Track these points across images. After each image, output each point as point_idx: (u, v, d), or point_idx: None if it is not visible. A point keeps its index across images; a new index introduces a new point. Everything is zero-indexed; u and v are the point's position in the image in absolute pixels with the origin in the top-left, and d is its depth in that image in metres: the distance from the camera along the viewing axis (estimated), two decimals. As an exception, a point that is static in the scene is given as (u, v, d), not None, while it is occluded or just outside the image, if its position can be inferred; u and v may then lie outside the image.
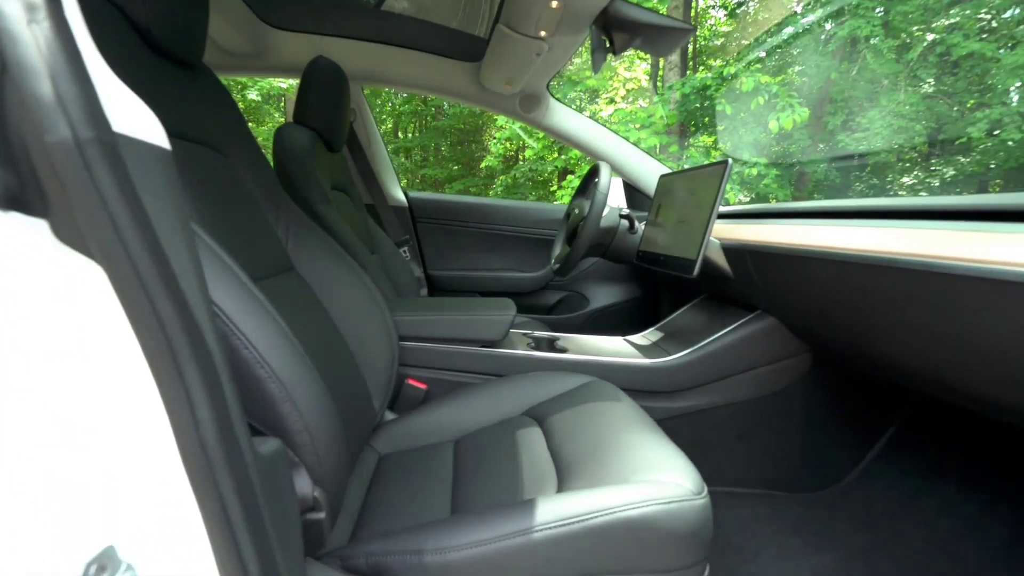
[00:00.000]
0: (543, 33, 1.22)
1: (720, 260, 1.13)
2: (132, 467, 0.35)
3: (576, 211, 1.50)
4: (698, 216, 1.07)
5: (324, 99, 1.31)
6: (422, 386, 1.06)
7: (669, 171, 1.43)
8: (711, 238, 1.06)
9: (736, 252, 1.07)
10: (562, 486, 0.70)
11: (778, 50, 6.40)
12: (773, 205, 1.13)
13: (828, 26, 6.09)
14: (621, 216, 1.44)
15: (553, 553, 0.56)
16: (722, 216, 1.27)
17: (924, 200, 0.73)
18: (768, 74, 5.75)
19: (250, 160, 0.84)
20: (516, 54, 1.35)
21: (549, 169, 7.76)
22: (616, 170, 1.73)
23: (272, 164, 1.22)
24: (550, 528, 0.57)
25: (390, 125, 11.54)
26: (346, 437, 0.69)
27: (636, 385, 1.10)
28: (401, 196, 1.87)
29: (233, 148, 0.80)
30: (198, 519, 0.36)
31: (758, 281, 1.02)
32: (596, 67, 1.18)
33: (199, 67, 0.77)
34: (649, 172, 1.72)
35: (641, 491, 0.59)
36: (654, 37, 1.12)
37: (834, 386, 1.11)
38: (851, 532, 1.01)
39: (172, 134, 0.66)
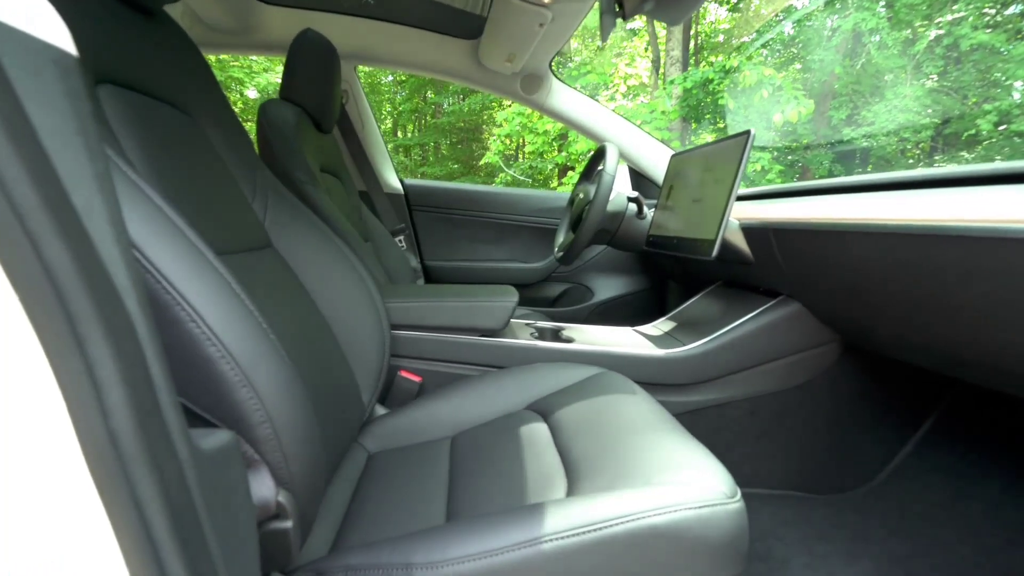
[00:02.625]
0: (547, -1, 1.14)
1: (739, 242, 1.05)
2: (12, 469, 0.26)
3: (581, 195, 1.42)
4: (716, 193, 0.98)
5: (312, 74, 1.22)
6: (416, 378, 0.98)
7: (680, 151, 1.35)
8: (729, 218, 0.98)
9: (758, 232, 0.98)
10: (572, 489, 0.61)
11: (782, 44, 6.32)
12: (796, 184, 1.04)
13: (832, 19, 6.01)
14: (629, 199, 1.35)
15: (565, 567, 0.48)
16: (739, 198, 1.19)
17: (981, 167, 0.64)
18: (772, 68, 5.66)
19: (220, 124, 0.75)
20: (518, 25, 1.26)
21: (550, 167, 7.69)
22: (623, 155, 1.65)
23: (256, 145, 1.14)
24: (561, 537, 0.48)
25: (389, 124, 11.48)
26: (323, 431, 0.60)
27: (648, 378, 1.01)
28: (396, 183, 1.78)
29: (200, 108, 0.71)
30: (109, 534, 0.27)
31: (783, 263, 0.93)
32: (604, 35, 1.10)
33: (160, 15, 0.68)
34: (658, 158, 1.64)
35: (667, 494, 0.51)
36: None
37: (864, 377, 1.02)
38: (887, 537, 0.92)
39: (125, 85, 0.57)
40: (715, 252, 0.92)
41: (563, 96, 1.63)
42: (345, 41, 1.49)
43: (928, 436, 1.04)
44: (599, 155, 1.39)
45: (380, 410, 0.92)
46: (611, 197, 1.27)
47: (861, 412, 1.04)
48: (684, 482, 0.53)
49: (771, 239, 0.93)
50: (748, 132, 0.93)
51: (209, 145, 0.71)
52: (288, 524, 0.42)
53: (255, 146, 1.08)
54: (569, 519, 0.49)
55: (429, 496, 0.67)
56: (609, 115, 1.65)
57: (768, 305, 1.01)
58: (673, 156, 1.34)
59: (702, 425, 1.04)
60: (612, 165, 1.23)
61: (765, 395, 1.03)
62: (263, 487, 0.40)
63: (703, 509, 0.50)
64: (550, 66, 1.58)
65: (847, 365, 1.01)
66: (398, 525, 0.62)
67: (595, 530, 0.48)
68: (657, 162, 1.64)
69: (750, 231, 1.01)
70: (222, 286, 0.43)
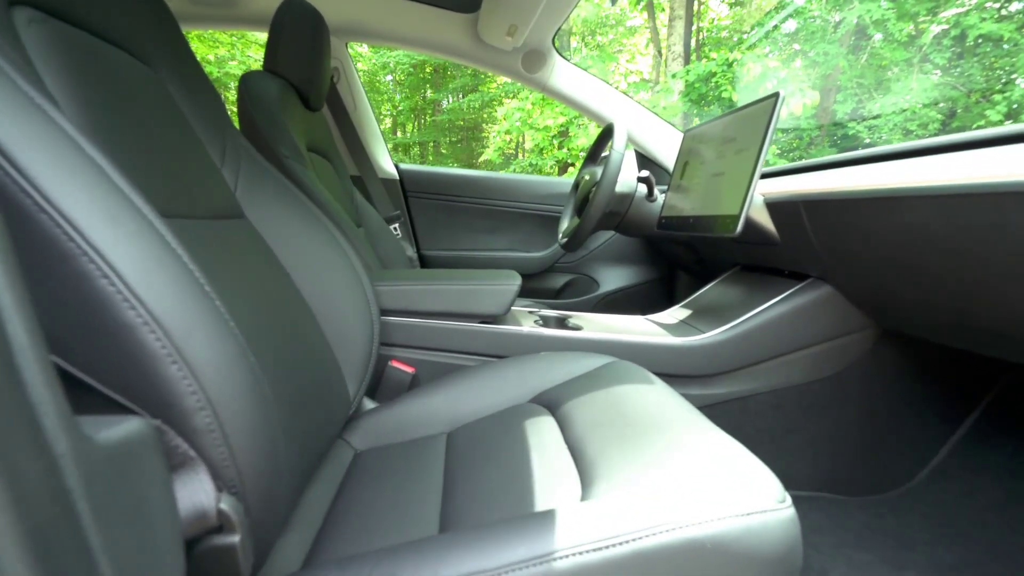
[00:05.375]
0: (550, -42, 1.05)
1: (763, 220, 0.95)
2: None
3: (587, 177, 1.33)
4: (740, 163, 0.89)
5: (298, 45, 1.14)
6: (409, 369, 0.89)
7: (695, 126, 1.26)
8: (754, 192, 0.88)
9: (786, 207, 0.89)
10: (587, 492, 0.52)
11: (786, 37, 6.22)
12: (826, 157, 0.95)
13: (836, 16, 5.92)
14: (639, 179, 1.26)
15: None
16: (761, 176, 1.10)
17: None
18: (776, 61, 5.57)
19: (185, 81, 0.66)
20: (519, -9, 1.17)
21: (549, 164, 7.61)
22: (630, 139, 1.56)
23: (237, 120, 1.05)
24: (578, 553, 0.39)
25: (389, 123, 11.41)
26: (298, 424, 0.51)
27: (663, 368, 0.92)
28: (391, 168, 1.69)
29: (161, 60, 0.62)
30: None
31: (815, 240, 0.84)
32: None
33: None
34: (668, 141, 1.55)
35: (708, 499, 0.42)
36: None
37: (901, 365, 0.93)
38: (933, 544, 0.83)
39: (55, 15, 0.49)
40: (740, 227, 0.83)
41: (567, 75, 1.54)
42: (335, 15, 1.40)
43: (974, 431, 0.95)
44: (606, 134, 1.30)
45: (369, 404, 0.83)
46: (619, 178, 1.18)
47: (898, 405, 0.95)
48: (725, 485, 0.44)
49: (802, 214, 0.84)
50: (777, 94, 0.84)
51: (169, 100, 0.62)
52: (234, 539, 0.33)
53: (235, 120, 1.00)
54: (587, 530, 0.40)
55: (421, 500, 0.58)
56: (616, 95, 1.56)
57: (795, 288, 0.92)
58: (687, 133, 1.25)
59: (722, 420, 0.95)
60: (621, 143, 1.14)
61: (792, 387, 0.94)
62: (198, 492, 0.31)
63: (751, 517, 0.41)
64: (553, 43, 1.49)
65: (883, 353, 0.92)
66: (384, 534, 0.53)
67: (619, 544, 0.39)
68: (668, 146, 1.55)
69: (776, 207, 0.92)
70: (153, 240, 0.34)
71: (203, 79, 0.71)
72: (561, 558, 0.39)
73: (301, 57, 1.14)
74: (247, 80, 1.06)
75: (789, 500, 0.44)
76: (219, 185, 0.65)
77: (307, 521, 0.57)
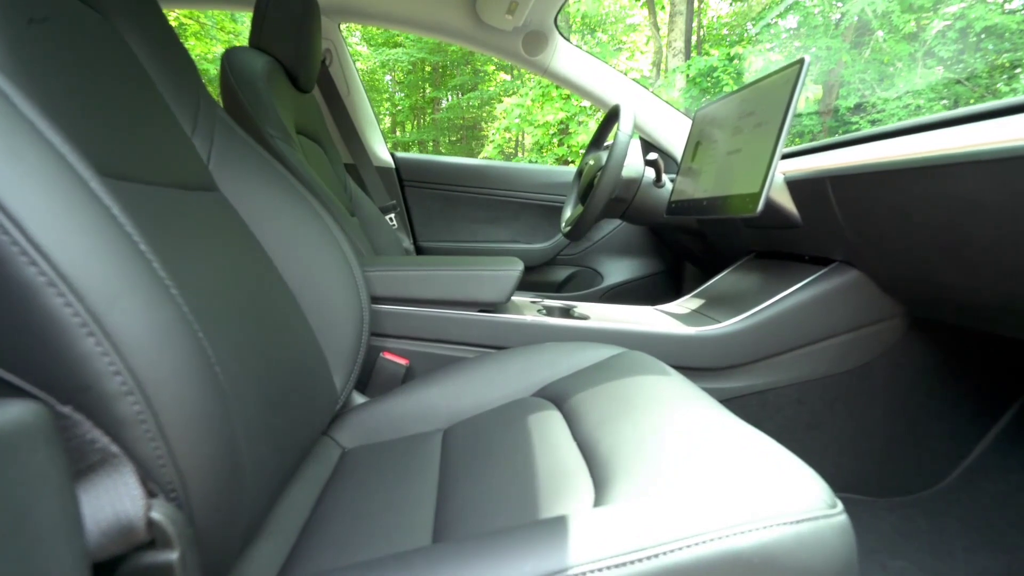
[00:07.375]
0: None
1: (784, 201, 0.89)
2: None
3: (592, 162, 1.26)
4: (759, 139, 0.82)
5: (286, 20, 1.07)
6: (402, 361, 0.82)
7: (707, 103, 1.19)
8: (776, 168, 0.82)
9: (809, 185, 0.82)
10: (602, 495, 0.45)
11: (788, 32, 6.16)
12: (851, 134, 0.89)
13: (839, 4, 5.85)
14: (647, 163, 1.20)
15: None
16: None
17: None
18: (779, 54, 5.51)
19: (147, 34, 0.60)
20: (519, -37, 1.11)
21: (549, 161, 7.56)
22: (636, 126, 1.49)
23: (220, 99, 0.99)
24: (597, 569, 0.33)
25: (388, 122, 11.36)
26: (271, 418, 0.45)
27: (676, 360, 0.86)
28: (387, 156, 1.63)
29: (115, 8, 0.56)
30: None
31: (843, 220, 0.78)
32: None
33: None
34: (676, 129, 1.48)
35: (751, 504, 0.35)
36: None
37: (934, 356, 0.87)
38: (974, 549, 0.76)
39: None
40: (761, 205, 0.77)
41: (570, 58, 1.47)
42: (327, -7, 1.34)
43: (1011, 426, 0.88)
44: (611, 117, 1.24)
45: (358, 398, 0.77)
46: (626, 162, 1.12)
47: (929, 398, 0.89)
48: (767, 488, 0.37)
49: (828, 192, 0.78)
50: (801, 60, 0.77)
51: (126, 52, 0.55)
52: (170, 555, 0.26)
53: (218, 98, 0.93)
54: (606, 542, 0.34)
55: (413, 505, 0.52)
56: (621, 79, 1.49)
57: (819, 274, 0.86)
58: (698, 112, 1.18)
59: (740, 416, 0.88)
60: (628, 125, 1.08)
61: (815, 380, 0.87)
62: (121, 498, 0.25)
63: (802, 525, 0.34)
64: (555, 23, 1.43)
65: (913, 342, 0.86)
66: (371, 544, 0.47)
67: (646, 558, 0.33)
68: (675, 133, 1.49)
69: (798, 185, 0.85)
70: (69, 184, 0.28)
71: (170, 35, 0.64)
72: (576, 575, 0.32)
73: (289, 31, 1.07)
74: (230, 55, 1.00)
75: (840, 505, 0.37)
76: (188, 153, 0.58)
77: (283, 529, 0.50)
